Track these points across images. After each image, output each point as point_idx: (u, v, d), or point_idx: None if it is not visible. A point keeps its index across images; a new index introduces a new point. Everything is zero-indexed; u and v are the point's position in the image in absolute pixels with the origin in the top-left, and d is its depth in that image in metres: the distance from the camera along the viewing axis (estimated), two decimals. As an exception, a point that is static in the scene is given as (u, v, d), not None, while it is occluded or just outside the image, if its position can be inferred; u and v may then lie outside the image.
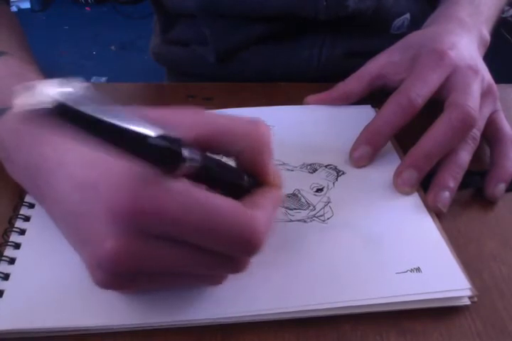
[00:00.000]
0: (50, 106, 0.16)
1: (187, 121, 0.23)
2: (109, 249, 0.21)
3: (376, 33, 0.51)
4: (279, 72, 0.52)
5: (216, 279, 0.26)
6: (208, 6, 0.48)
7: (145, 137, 0.19)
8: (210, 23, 0.50)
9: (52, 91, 0.16)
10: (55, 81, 0.16)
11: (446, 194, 0.33)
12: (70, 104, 0.16)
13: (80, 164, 0.25)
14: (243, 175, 0.25)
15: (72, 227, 0.25)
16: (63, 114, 0.16)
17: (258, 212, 0.22)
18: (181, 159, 0.20)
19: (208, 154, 0.23)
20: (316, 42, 0.51)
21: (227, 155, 0.25)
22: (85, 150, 0.24)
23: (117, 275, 0.23)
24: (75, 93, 0.17)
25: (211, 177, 0.23)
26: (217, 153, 0.25)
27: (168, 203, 0.20)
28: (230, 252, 0.23)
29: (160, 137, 0.19)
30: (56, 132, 0.17)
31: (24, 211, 0.31)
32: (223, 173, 0.24)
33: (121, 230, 0.21)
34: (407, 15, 0.52)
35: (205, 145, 0.23)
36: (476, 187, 0.36)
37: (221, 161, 0.24)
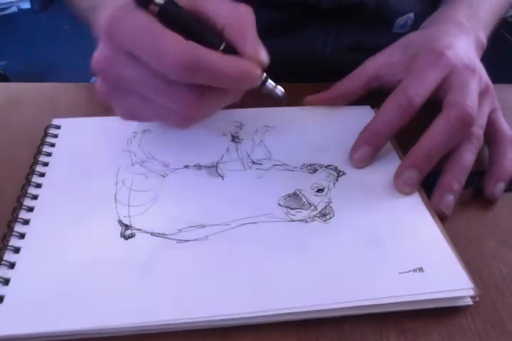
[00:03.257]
0: None
1: None
2: (94, 56, 0.30)
3: (380, 29, 0.51)
4: (282, 65, 0.52)
5: (178, 117, 0.31)
6: None
7: None
8: None
9: None
10: None
11: (451, 197, 0.33)
12: None
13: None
14: (217, 36, 0.29)
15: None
16: None
17: (206, 50, 0.28)
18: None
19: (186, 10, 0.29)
20: (320, 34, 0.51)
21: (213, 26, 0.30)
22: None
23: (105, 80, 0.31)
24: None
25: (177, 24, 0.29)
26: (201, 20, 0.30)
27: (133, 24, 0.28)
28: (170, 74, 0.28)
29: None
30: None
31: (23, 215, 0.31)
32: (197, 27, 0.29)
33: (103, 44, 0.30)
34: (411, 15, 0.52)
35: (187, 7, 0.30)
36: (475, 187, 0.36)
37: (200, 22, 0.30)
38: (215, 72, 0.28)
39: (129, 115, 0.34)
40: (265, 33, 0.50)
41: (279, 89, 0.34)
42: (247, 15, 0.31)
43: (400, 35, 0.42)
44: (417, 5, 0.52)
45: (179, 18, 0.29)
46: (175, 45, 0.27)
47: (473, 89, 0.35)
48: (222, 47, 0.29)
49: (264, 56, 0.30)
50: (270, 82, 0.33)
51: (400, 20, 0.52)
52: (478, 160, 0.37)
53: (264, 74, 0.32)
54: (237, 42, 0.30)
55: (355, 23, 0.50)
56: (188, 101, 0.29)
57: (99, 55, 0.30)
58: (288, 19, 0.50)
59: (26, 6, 2.22)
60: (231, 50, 0.30)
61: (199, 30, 0.29)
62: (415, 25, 0.51)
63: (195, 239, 0.30)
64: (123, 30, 0.28)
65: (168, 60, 0.27)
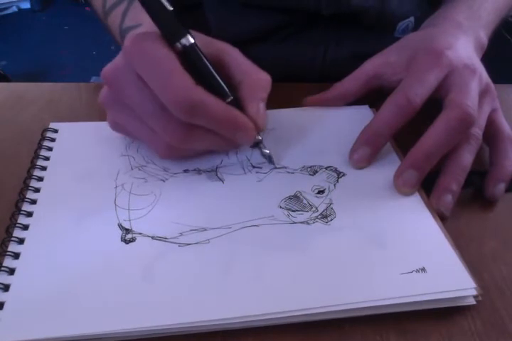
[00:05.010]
0: None
1: (217, 42, 0.34)
2: (110, 64, 0.32)
3: (381, 35, 0.51)
4: (282, 71, 0.53)
5: (163, 145, 0.33)
6: None
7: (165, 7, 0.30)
8: (215, 11, 0.51)
9: None
10: None
11: (449, 197, 0.33)
12: None
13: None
14: (224, 86, 0.32)
15: None
16: None
17: (202, 93, 0.30)
18: (179, 37, 0.30)
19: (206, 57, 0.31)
20: (321, 40, 0.51)
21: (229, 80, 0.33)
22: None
23: (109, 89, 0.33)
24: None
25: (200, 71, 0.31)
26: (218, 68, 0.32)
27: (153, 52, 0.29)
28: (169, 107, 0.29)
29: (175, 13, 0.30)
30: None
31: (22, 220, 0.31)
32: (212, 75, 0.31)
33: (121, 56, 0.31)
34: (411, 19, 0.52)
35: (212, 56, 0.32)
36: (475, 187, 0.36)
37: (217, 71, 0.32)
38: (213, 117, 0.30)
39: (118, 128, 0.36)
40: (266, 38, 0.51)
41: (270, 156, 0.35)
42: (266, 81, 0.33)
43: None
44: (418, 9, 0.52)
45: (199, 63, 0.31)
46: (182, 84, 0.29)
47: (474, 89, 0.35)
48: (229, 99, 0.31)
49: (263, 123, 0.33)
50: (263, 147, 0.35)
51: (401, 25, 0.52)
52: (479, 160, 0.37)
53: (260, 138, 0.34)
54: (246, 100, 0.32)
55: (357, 28, 0.50)
56: (176, 131, 0.31)
57: (112, 65, 0.32)
58: (288, 25, 0.50)
59: (26, 6, 2.22)
60: (237, 105, 0.32)
61: (213, 77, 0.31)
62: (416, 29, 0.51)
63: (197, 243, 0.30)
64: (142, 54, 0.30)
65: (171, 97, 0.29)
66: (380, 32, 0.51)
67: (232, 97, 0.31)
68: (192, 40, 0.31)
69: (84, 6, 2.25)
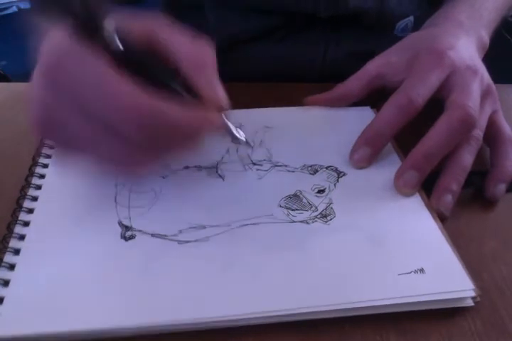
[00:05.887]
0: None
1: (143, 22, 0.27)
2: (35, 91, 0.26)
3: (381, 34, 0.51)
4: (282, 71, 0.53)
5: (120, 164, 0.28)
6: None
7: None
8: (215, 11, 0.51)
9: None
10: None
11: (449, 197, 0.33)
12: None
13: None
14: (177, 79, 0.26)
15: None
16: None
17: (152, 99, 0.25)
18: (99, 27, 0.23)
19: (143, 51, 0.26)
20: (320, 41, 0.51)
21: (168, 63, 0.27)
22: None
23: (41, 117, 0.26)
24: None
25: (142, 70, 0.25)
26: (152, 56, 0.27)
27: (77, 67, 0.24)
28: (113, 121, 0.25)
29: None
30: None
31: (23, 216, 0.31)
32: (156, 71, 0.26)
33: (41, 85, 0.26)
34: (411, 18, 0.52)
35: (145, 44, 0.27)
36: (476, 187, 0.36)
37: (162, 65, 0.26)
38: (173, 130, 0.26)
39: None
40: (265, 37, 0.51)
41: (241, 134, 0.31)
42: (206, 52, 0.28)
43: (400, 39, 0.42)
44: (417, 8, 0.52)
45: (134, 58, 0.25)
46: (130, 102, 0.24)
47: (476, 90, 0.35)
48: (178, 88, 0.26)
49: (223, 99, 0.28)
50: (231, 127, 0.30)
51: (401, 24, 0.52)
52: (479, 160, 0.37)
53: (225, 119, 0.29)
54: (195, 82, 0.27)
55: (356, 28, 0.50)
56: (122, 150, 0.26)
57: (39, 105, 0.26)
58: (287, 25, 0.50)
59: (26, 6, 2.22)
60: (188, 89, 0.27)
61: (155, 71, 0.26)
62: (416, 28, 0.51)
63: (196, 240, 0.30)
64: (70, 73, 0.25)
65: (121, 118, 0.24)
66: (380, 31, 0.51)
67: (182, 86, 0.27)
68: (125, 38, 0.25)
69: (84, 6, 2.25)
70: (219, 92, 0.27)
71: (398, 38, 0.42)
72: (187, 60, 0.27)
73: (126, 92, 0.24)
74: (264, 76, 0.47)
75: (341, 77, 0.41)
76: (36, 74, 0.26)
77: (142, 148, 0.26)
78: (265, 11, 0.49)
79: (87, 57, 0.24)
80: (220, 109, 0.28)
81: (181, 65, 0.27)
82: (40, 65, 0.25)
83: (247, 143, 0.31)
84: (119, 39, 0.25)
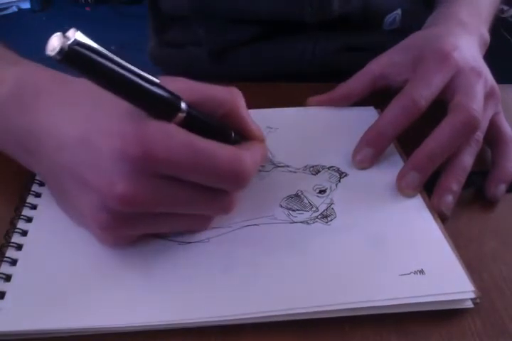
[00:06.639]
0: (66, 48, 0.20)
1: (177, 86, 0.25)
2: (121, 191, 0.23)
3: (369, 29, 0.51)
4: (273, 68, 0.53)
5: (205, 221, 0.29)
6: (201, 9, 0.50)
7: (151, 82, 0.23)
8: (203, 23, 0.51)
9: (62, 39, 0.20)
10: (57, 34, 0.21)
11: (450, 197, 0.33)
12: (82, 47, 0.20)
13: (69, 121, 0.26)
14: (229, 130, 0.28)
15: (68, 181, 0.26)
16: (76, 55, 0.20)
17: (246, 152, 0.26)
18: (180, 108, 0.24)
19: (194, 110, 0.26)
20: (309, 40, 0.51)
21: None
22: (75, 110, 0.26)
23: (121, 215, 0.25)
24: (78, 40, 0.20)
25: (200, 128, 0.26)
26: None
27: (176, 147, 0.23)
28: (223, 185, 0.26)
29: (161, 87, 0.23)
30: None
31: (26, 212, 0.31)
32: (210, 126, 0.27)
33: (132, 172, 0.23)
34: (398, 11, 0.52)
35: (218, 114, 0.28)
36: (476, 188, 0.36)
37: (206, 117, 0.27)
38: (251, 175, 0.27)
39: (130, 239, 0.29)
40: (253, 41, 0.51)
41: (270, 159, 0.35)
42: (240, 97, 0.29)
43: (390, 32, 0.41)
44: (404, 1, 0.52)
45: (202, 120, 0.26)
46: (241, 158, 0.25)
47: (479, 92, 0.35)
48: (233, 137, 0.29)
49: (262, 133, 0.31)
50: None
51: (389, 18, 0.51)
52: (480, 160, 0.37)
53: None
54: (241, 128, 0.29)
55: (344, 28, 0.50)
56: (226, 200, 0.28)
57: (125, 191, 0.23)
58: (276, 31, 0.50)
59: (26, 6, 2.22)
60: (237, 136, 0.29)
61: (215, 126, 0.28)
62: (404, 21, 0.51)
63: (197, 241, 0.30)
64: (165, 151, 0.23)
65: (242, 174, 0.25)
66: (368, 27, 0.51)
67: (234, 134, 0.29)
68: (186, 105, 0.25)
69: (84, 6, 2.25)
70: (260, 132, 0.30)
71: (388, 32, 0.41)
72: (227, 111, 0.28)
73: (225, 153, 0.25)
74: (255, 77, 0.47)
75: (333, 72, 0.41)
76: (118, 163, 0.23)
77: (224, 195, 0.28)
78: (253, 20, 0.49)
79: (173, 128, 0.24)
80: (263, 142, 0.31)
81: (226, 114, 0.28)
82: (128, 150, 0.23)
83: (271, 162, 0.35)
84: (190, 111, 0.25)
